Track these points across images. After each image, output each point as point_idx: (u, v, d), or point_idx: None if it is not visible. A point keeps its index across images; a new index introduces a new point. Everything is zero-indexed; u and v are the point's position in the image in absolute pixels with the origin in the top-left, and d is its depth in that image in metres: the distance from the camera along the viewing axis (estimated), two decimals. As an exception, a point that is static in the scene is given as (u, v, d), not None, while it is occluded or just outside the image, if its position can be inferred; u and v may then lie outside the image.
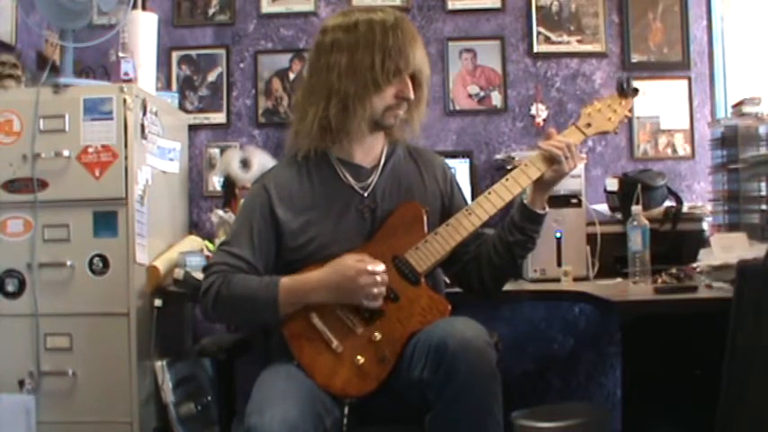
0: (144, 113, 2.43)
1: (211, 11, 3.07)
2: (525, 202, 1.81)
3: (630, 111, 1.88)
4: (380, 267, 1.65)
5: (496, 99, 3.02)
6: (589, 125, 1.84)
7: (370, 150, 1.85)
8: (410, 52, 1.73)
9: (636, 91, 1.87)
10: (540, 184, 1.80)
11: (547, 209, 1.83)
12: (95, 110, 2.34)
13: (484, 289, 1.86)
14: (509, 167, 2.33)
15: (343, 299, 1.66)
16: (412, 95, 1.77)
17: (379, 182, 1.82)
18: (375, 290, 1.64)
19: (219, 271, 1.73)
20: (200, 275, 2.29)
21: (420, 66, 1.77)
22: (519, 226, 1.81)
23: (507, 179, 1.79)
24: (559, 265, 2.42)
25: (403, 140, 1.89)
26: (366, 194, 1.80)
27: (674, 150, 3.00)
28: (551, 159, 1.77)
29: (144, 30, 2.62)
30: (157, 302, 2.37)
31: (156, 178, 2.52)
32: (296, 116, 1.83)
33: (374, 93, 1.72)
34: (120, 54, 2.52)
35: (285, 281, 1.69)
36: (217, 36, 3.07)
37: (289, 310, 1.68)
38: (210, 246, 2.62)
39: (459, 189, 1.94)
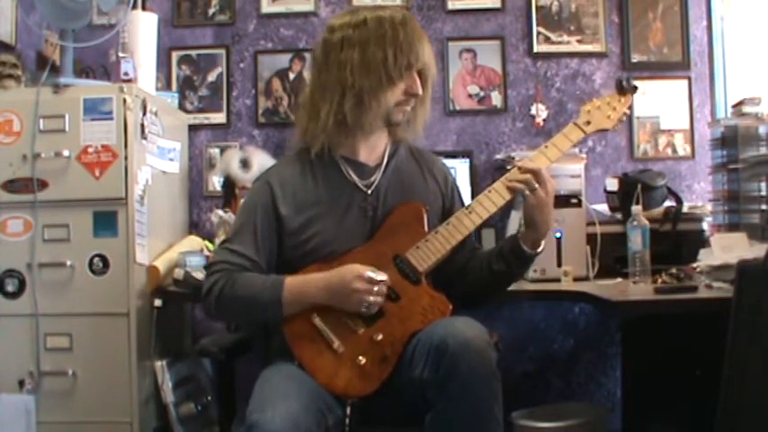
0: (144, 113, 2.42)
1: (211, 11, 3.07)
2: (519, 236, 1.78)
3: (629, 108, 1.88)
4: (381, 277, 1.64)
5: (496, 99, 3.02)
6: (588, 122, 1.83)
7: (373, 149, 1.85)
8: (419, 47, 1.74)
9: (635, 88, 1.87)
10: (525, 217, 1.77)
11: (540, 248, 1.78)
12: (95, 110, 2.34)
13: (463, 303, 1.80)
14: (509, 167, 2.33)
15: (338, 302, 1.66)
16: (421, 91, 1.78)
17: (382, 180, 1.83)
18: (369, 297, 1.63)
19: (222, 270, 1.72)
20: (200, 275, 2.29)
21: (429, 62, 1.78)
22: (505, 258, 1.79)
23: (507, 177, 1.78)
24: (559, 265, 2.42)
25: (405, 140, 1.90)
26: (369, 192, 1.81)
27: (674, 150, 3.00)
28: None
29: (144, 30, 2.62)
30: (157, 302, 2.36)
31: (156, 178, 2.52)
32: (305, 114, 1.82)
33: (387, 87, 1.73)
34: (120, 54, 2.51)
35: (289, 280, 1.69)
36: (217, 36, 3.07)
37: (292, 310, 1.68)
38: (210, 246, 2.62)
39: (460, 195, 1.95)
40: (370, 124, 1.77)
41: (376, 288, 1.63)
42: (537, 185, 1.72)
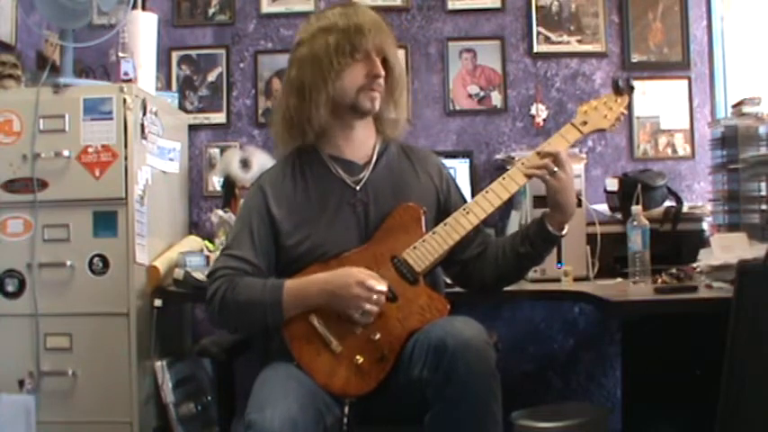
0: (144, 113, 2.43)
1: (211, 11, 3.07)
2: (545, 218, 1.80)
3: (626, 108, 1.89)
4: (381, 286, 1.64)
5: (496, 99, 3.02)
6: (585, 123, 1.84)
7: (360, 146, 1.85)
8: (366, 30, 1.75)
9: (632, 88, 1.88)
10: (549, 200, 1.79)
11: (565, 230, 1.81)
12: (95, 110, 2.34)
13: (483, 288, 1.88)
14: (509, 167, 2.33)
15: (336, 306, 1.66)
16: (382, 72, 1.78)
17: (371, 177, 1.83)
18: (366, 305, 1.63)
19: (224, 275, 1.73)
20: (200, 275, 2.29)
21: (384, 46, 1.79)
22: (532, 240, 1.81)
23: (504, 178, 1.79)
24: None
25: (395, 138, 1.90)
26: (358, 188, 1.81)
27: (674, 150, 3.00)
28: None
29: (144, 30, 2.62)
30: (157, 302, 2.36)
31: (156, 178, 2.52)
32: (276, 121, 1.87)
33: (331, 74, 1.74)
34: (120, 54, 2.52)
35: (289, 283, 1.69)
36: (217, 36, 3.07)
37: (293, 313, 1.68)
38: (210, 246, 2.62)
39: (457, 186, 1.95)
40: (315, 116, 1.76)
41: (375, 297, 1.63)
42: (556, 169, 1.73)
